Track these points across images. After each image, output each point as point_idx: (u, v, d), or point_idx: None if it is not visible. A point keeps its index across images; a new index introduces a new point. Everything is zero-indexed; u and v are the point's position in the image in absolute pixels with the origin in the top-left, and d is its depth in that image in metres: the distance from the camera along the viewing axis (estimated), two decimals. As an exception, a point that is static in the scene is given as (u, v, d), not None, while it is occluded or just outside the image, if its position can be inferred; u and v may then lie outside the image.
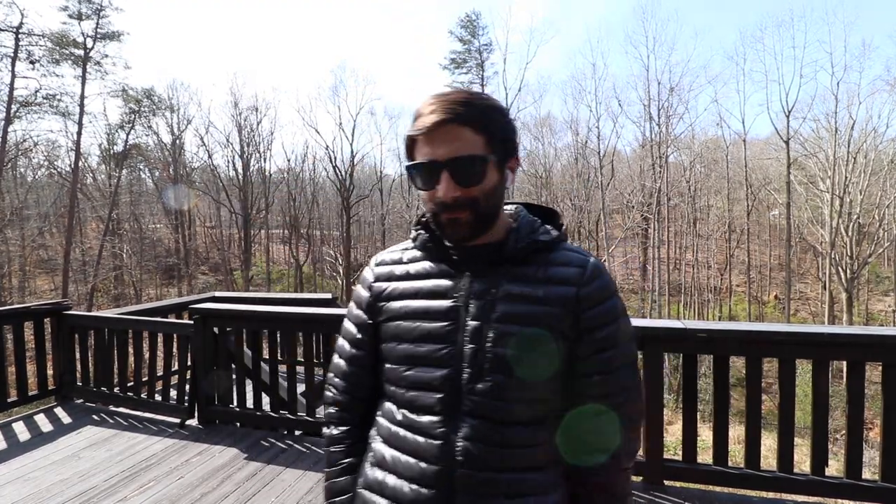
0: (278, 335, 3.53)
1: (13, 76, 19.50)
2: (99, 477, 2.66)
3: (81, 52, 22.25)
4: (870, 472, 2.25)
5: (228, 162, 29.47)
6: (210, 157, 29.25)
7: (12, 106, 19.71)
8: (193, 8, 72.62)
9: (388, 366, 0.86)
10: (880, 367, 2.17)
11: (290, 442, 3.05)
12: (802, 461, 2.64)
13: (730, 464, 2.35)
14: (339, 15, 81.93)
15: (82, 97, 22.37)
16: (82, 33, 22.33)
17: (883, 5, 44.92)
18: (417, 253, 0.89)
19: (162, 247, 29.80)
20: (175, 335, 3.57)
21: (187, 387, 3.48)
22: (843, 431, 2.26)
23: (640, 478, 2.45)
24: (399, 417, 0.83)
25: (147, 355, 3.58)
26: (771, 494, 2.31)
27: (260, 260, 32.48)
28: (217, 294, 5.21)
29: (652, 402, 2.41)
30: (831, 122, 21.20)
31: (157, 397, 3.56)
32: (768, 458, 2.47)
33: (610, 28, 62.00)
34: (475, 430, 0.76)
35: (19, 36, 19.36)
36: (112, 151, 26.80)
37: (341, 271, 26.78)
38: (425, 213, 0.85)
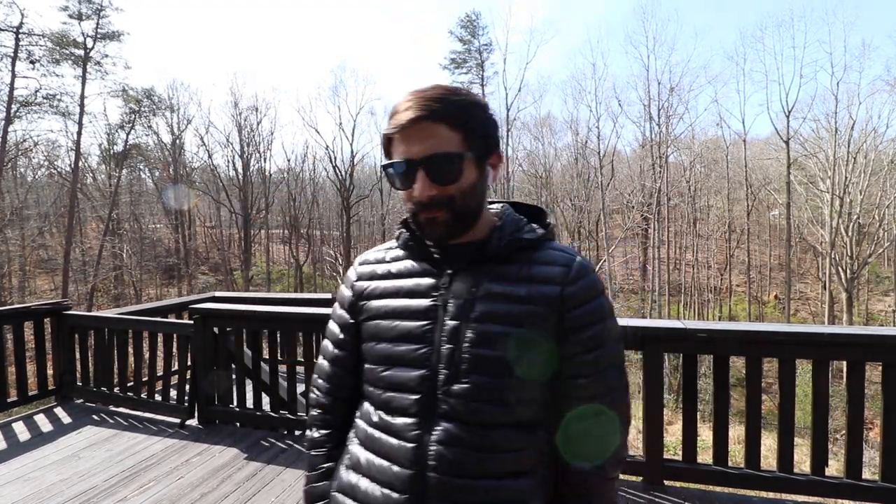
0: (278, 335, 3.54)
1: (13, 76, 19.50)
2: (99, 477, 2.66)
3: (81, 52, 22.25)
4: (870, 472, 2.25)
5: (228, 162, 29.54)
6: (210, 157, 29.30)
7: (12, 106, 19.71)
8: (193, 8, 72.75)
9: (367, 366, 0.84)
10: (880, 367, 2.17)
11: (290, 442, 3.05)
12: (802, 461, 2.63)
13: (730, 464, 2.35)
14: (339, 15, 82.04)
15: (82, 97, 22.39)
16: (82, 33, 22.35)
17: (883, 5, 44.96)
18: (400, 252, 0.88)
19: (162, 247, 29.79)
20: (175, 335, 3.57)
21: (187, 387, 3.48)
22: (843, 431, 2.26)
23: (640, 478, 2.45)
24: (375, 419, 0.81)
25: (147, 355, 3.58)
26: (771, 494, 2.31)
27: (260, 260, 32.47)
28: (217, 294, 5.21)
29: (652, 402, 2.41)
30: (831, 123, 21.21)
31: (157, 397, 3.56)
32: (768, 458, 2.46)
33: (610, 28, 62.11)
34: (451, 433, 0.73)
35: (19, 36, 19.37)
36: (112, 151, 26.79)
37: (341, 271, 26.76)
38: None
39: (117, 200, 25.28)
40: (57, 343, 3.91)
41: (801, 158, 22.87)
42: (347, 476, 0.82)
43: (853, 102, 20.73)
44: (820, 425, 2.24)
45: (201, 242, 34.19)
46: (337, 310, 0.94)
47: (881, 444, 2.18)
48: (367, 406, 0.85)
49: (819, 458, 2.22)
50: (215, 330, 3.30)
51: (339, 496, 0.81)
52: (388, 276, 0.87)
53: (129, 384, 3.69)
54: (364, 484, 0.78)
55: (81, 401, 3.82)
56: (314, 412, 0.94)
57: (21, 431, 3.29)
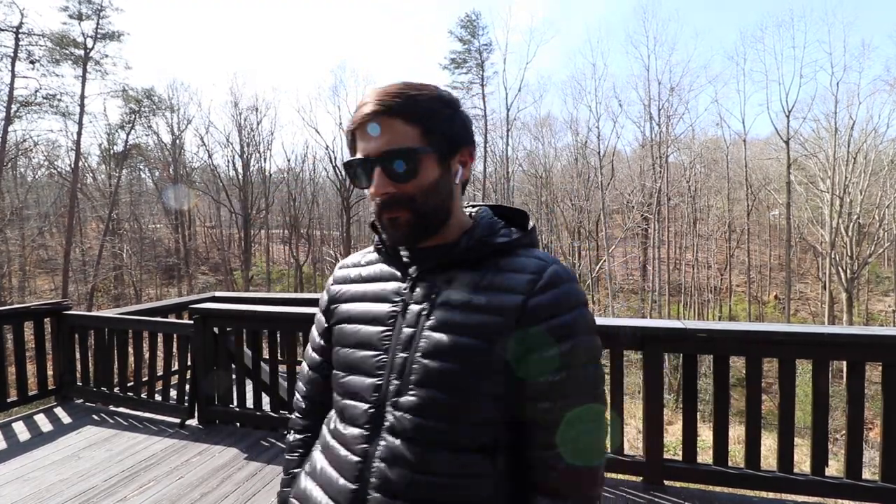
0: (278, 335, 3.54)
1: (13, 76, 19.48)
2: (99, 477, 2.66)
3: (81, 52, 22.23)
4: (870, 472, 2.25)
5: (228, 162, 29.50)
6: (210, 157, 29.27)
7: (12, 106, 19.71)
8: (193, 8, 72.77)
9: (333, 371, 0.82)
10: (880, 367, 2.17)
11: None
12: (802, 461, 2.64)
13: (730, 464, 2.35)
14: (339, 15, 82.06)
15: (82, 97, 22.37)
16: (82, 33, 22.32)
17: (882, 5, 44.98)
18: (374, 256, 0.86)
19: (162, 247, 29.78)
20: (175, 335, 3.57)
21: (187, 387, 3.48)
22: (843, 431, 2.26)
23: (640, 478, 2.45)
24: (332, 426, 0.79)
25: (147, 355, 3.58)
26: (771, 494, 2.31)
27: (260, 260, 32.47)
28: (217, 294, 5.21)
29: (652, 401, 2.42)
30: (831, 123, 21.23)
31: (157, 397, 3.56)
32: (768, 458, 2.47)
33: (610, 28, 62.10)
34: (394, 451, 0.68)
35: (19, 36, 19.34)
36: (112, 151, 26.78)
37: (341, 271, 26.72)
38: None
39: (117, 200, 25.28)
40: (57, 343, 3.91)
41: (801, 158, 22.88)
42: (304, 482, 0.80)
43: (853, 102, 20.78)
44: (820, 425, 2.24)
45: (201, 242, 34.19)
46: (318, 314, 0.93)
47: (881, 444, 2.18)
48: (332, 412, 0.83)
49: (819, 458, 2.22)
50: (215, 330, 3.30)
51: (294, 502, 0.80)
52: (359, 279, 0.85)
53: (129, 384, 3.69)
54: (316, 493, 0.75)
55: (81, 401, 3.82)
56: (294, 415, 0.94)
57: (21, 431, 3.29)
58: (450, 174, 0.74)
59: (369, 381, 0.74)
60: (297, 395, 0.95)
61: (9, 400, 3.61)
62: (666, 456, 2.43)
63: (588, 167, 26.22)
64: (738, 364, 9.91)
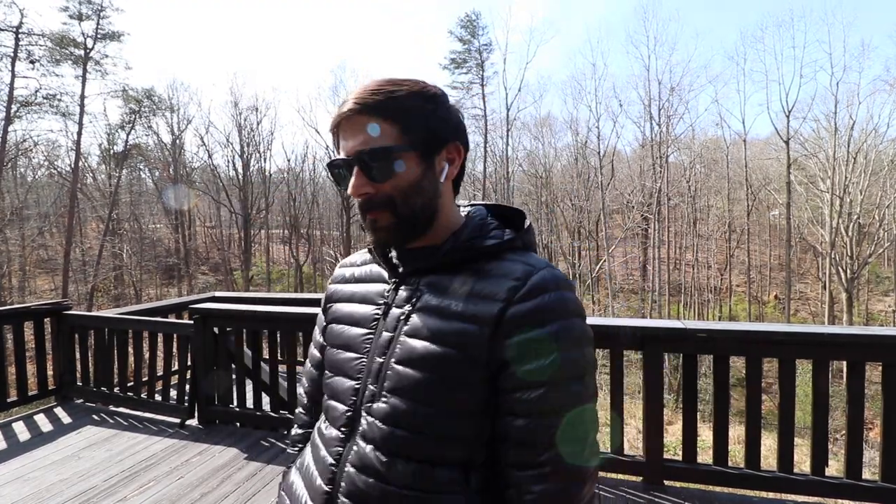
0: (278, 335, 3.53)
1: (13, 76, 19.48)
2: (99, 477, 2.66)
3: (82, 52, 22.23)
4: (870, 472, 2.25)
5: (228, 162, 29.48)
6: (210, 157, 29.27)
7: (12, 106, 19.71)
8: (193, 8, 72.68)
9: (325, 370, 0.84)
10: (880, 367, 2.17)
11: (290, 442, 3.04)
12: (802, 461, 2.63)
13: (730, 464, 2.35)
14: (339, 15, 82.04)
15: (82, 97, 22.37)
16: (82, 33, 22.32)
17: (882, 5, 44.95)
18: (368, 256, 0.85)
19: (162, 247, 29.78)
20: (175, 335, 3.57)
21: (187, 387, 3.48)
22: (843, 431, 2.26)
23: (640, 478, 2.45)
24: (319, 424, 0.80)
25: (147, 355, 3.58)
26: (771, 494, 2.31)
27: (260, 260, 32.47)
28: (217, 294, 5.21)
29: (652, 401, 2.42)
30: (831, 123, 21.23)
31: (157, 397, 3.56)
32: (768, 458, 2.46)
33: (610, 28, 62.16)
34: (364, 458, 0.67)
35: (19, 36, 19.34)
36: (112, 151, 26.78)
37: (341, 271, 26.74)
38: None
39: (117, 200, 25.28)
40: (57, 343, 3.91)
41: (801, 158, 22.89)
42: (293, 476, 0.81)
43: (853, 102, 20.78)
44: (820, 425, 2.24)
45: (201, 242, 34.20)
46: (319, 314, 0.95)
47: (881, 444, 2.18)
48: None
49: (819, 458, 2.23)
50: (215, 330, 3.30)
51: (283, 494, 0.81)
52: (352, 279, 0.85)
53: (129, 384, 3.69)
54: (299, 489, 0.76)
55: (81, 401, 3.82)
56: (298, 410, 0.97)
57: (21, 431, 3.29)
58: (434, 172, 0.71)
59: (349, 383, 0.73)
60: (300, 391, 0.97)
61: (9, 400, 3.61)
62: (666, 456, 2.43)
63: (588, 167, 26.23)
64: (738, 364, 9.90)
